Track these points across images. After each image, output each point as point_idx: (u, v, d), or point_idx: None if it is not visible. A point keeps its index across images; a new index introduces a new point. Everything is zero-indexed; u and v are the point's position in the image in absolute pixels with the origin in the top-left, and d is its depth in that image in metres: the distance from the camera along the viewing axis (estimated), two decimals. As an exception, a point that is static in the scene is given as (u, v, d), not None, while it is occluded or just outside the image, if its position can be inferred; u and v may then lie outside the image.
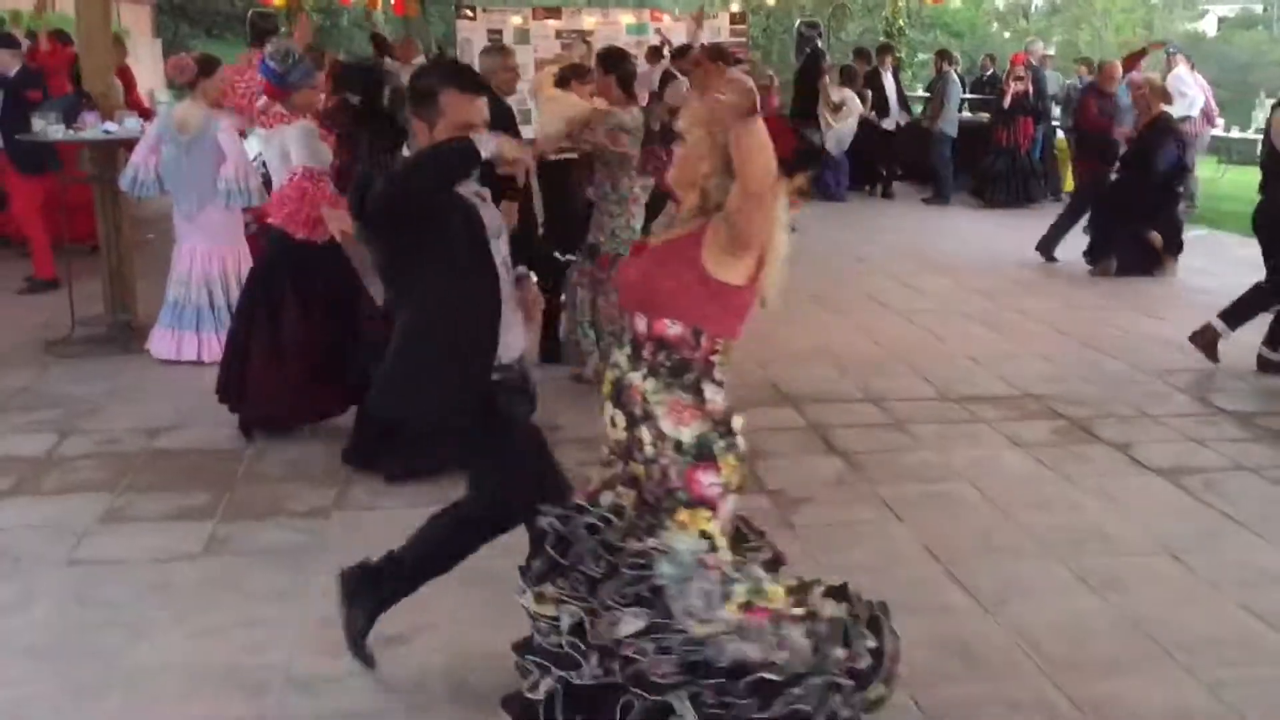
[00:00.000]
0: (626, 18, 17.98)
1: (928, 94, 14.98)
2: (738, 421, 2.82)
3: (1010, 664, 3.56)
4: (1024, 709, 3.33)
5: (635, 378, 2.80)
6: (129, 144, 6.80)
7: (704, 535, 2.75)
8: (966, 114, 14.82)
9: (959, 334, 7.75)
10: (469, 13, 17.58)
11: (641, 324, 2.81)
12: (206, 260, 6.70)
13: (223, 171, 6.51)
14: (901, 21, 18.22)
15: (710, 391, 2.78)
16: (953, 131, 13.85)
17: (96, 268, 7.40)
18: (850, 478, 5.11)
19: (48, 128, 6.91)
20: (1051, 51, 15.99)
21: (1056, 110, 14.62)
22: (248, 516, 4.60)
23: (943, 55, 14.84)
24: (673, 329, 2.76)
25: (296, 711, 3.27)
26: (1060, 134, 14.21)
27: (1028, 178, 13.72)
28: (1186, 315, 8.06)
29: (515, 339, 3.28)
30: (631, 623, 2.73)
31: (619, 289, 2.98)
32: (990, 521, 4.66)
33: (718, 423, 2.77)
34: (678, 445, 2.74)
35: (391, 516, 4.60)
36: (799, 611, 2.78)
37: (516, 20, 17.14)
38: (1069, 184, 14.32)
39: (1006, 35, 31.83)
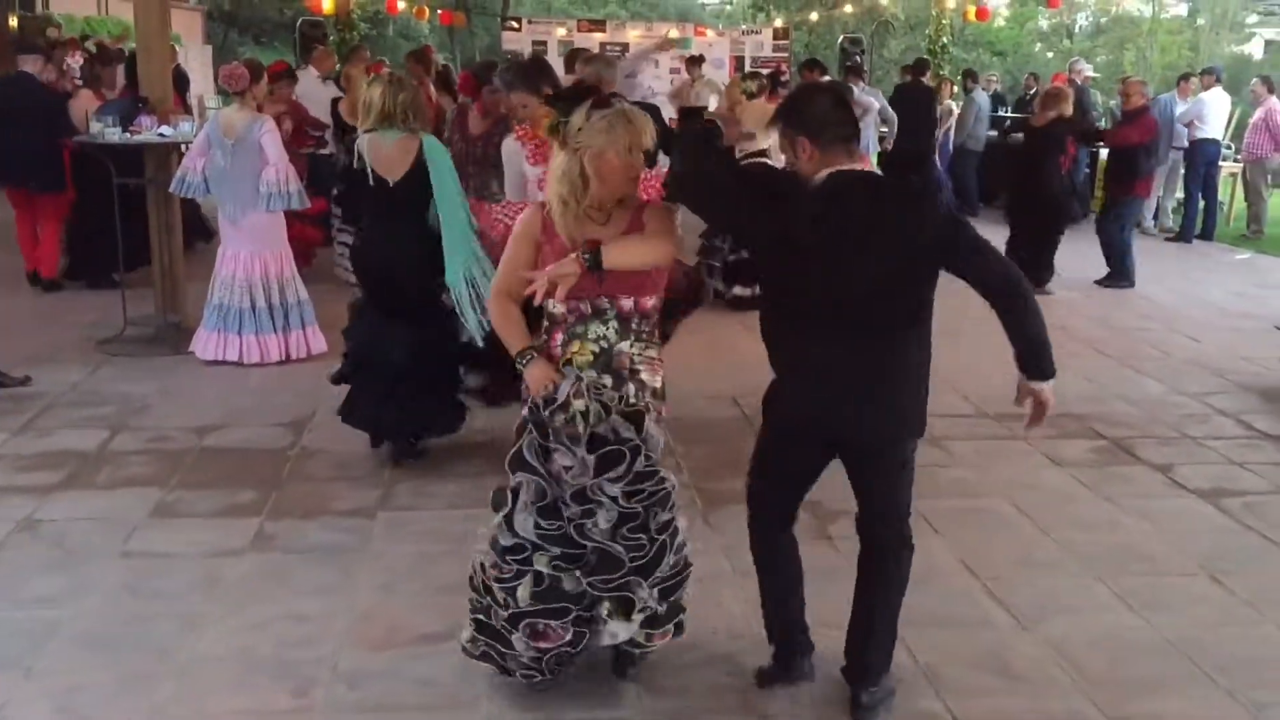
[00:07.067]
0: (671, 32, 18.12)
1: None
2: None
3: (1047, 679, 3.57)
4: (1060, 724, 3.35)
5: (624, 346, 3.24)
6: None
7: None
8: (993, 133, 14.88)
9: (996, 352, 7.66)
10: (514, 24, 17.79)
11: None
12: (249, 264, 6.76)
13: (264, 175, 6.58)
14: (945, 39, 18.25)
15: None
16: (977, 148, 13.97)
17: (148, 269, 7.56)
18: (888, 492, 5.11)
19: (104, 130, 7.04)
20: (1092, 72, 15.96)
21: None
22: (294, 514, 4.68)
23: (968, 75, 15.24)
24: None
25: (341, 704, 3.34)
26: (1104, 155, 14.14)
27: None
28: (1226, 338, 8.03)
29: None
30: None
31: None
32: (1029, 539, 4.67)
33: None
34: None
35: (434, 517, 4.69)
36: None
37: (561, 32, 17.35)
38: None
39: (1050, 55, 31.74)
